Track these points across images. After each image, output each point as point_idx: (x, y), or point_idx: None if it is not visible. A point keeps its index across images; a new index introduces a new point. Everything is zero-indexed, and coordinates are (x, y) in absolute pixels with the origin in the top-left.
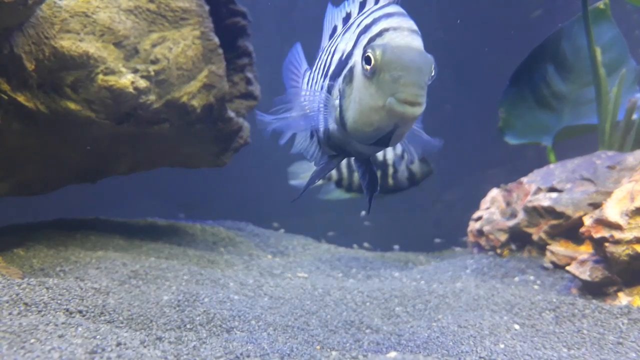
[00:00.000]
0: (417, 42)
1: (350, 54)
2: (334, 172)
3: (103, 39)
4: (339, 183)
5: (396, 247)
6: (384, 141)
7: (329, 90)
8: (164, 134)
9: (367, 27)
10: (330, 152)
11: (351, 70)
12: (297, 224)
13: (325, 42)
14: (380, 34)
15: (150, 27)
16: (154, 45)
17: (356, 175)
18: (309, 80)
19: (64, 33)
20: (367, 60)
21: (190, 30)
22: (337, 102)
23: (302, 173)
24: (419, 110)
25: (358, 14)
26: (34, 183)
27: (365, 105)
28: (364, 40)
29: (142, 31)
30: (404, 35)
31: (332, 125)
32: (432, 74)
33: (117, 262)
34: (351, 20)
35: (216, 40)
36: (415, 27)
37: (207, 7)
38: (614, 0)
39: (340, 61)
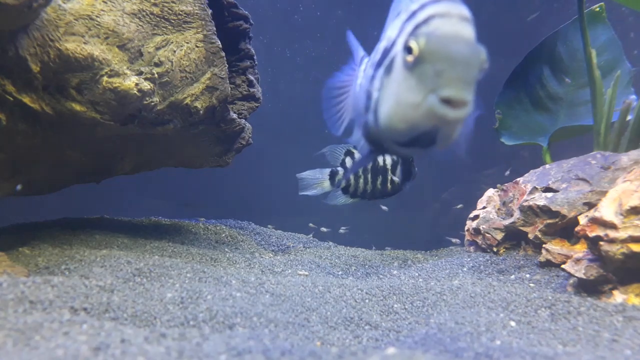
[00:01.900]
0: (467, 31)
1: (393, 43)
2: (341, 177)
3: (107, 41)
4: (345, 189)
5: (387, 248)
6: (424, 142)
7: (372, 81)
8: (167, 135)
9: (413, 13)
10: (370, 147)
11: (392, 60)
12: (297, 224)
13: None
14: (426, 21)
15: (154, 30)
16: (157, 48)
17: (361, 182)
18: (365, 68)
19: (68, 35)
20: (409, 50)
21: (193, 33)
22: (375, 94)
23: (314, 182)
24: (462, 112)
25: None
26: (39, 183)
27: (402, 100)
28: (408, 27)
29: (146, 34)
30: (452, 22)
31: (371, 120)
32: (484, 67)
33: (121, 260)
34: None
35: (218, 43)
36: (467, 13)
37: (209, 11)
38: (609, 3)
39: (385, 50)
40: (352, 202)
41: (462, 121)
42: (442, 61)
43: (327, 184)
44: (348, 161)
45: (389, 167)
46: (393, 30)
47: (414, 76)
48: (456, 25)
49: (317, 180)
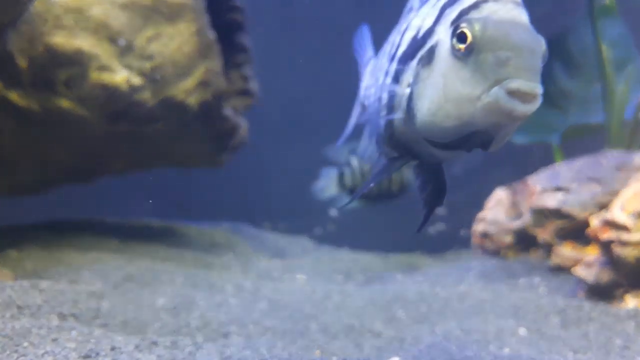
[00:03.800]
0: (524, 17)
1: (430, 31)
2: (349, 180)
3: (97, 35)
4: (352, 191)
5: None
6: (474, 143)
7: (397, 76)
8: (159, 133)
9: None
10: (392, 152)
11: (431, 50)
12: (298, 224)
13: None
14: (475, 5)
15: (145, 23)
16: (149, 41)
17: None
18: (373, 69)
19: (57, 29)
20: (460, 37)
21: (186, 25)
22: (407, 90)
23: (330, 187)
24: (533, 106)
25: None
26: (28, 183)
27: (453, 93)
28: (453, 13)
29: (137, 27)
30: (508, 8)
31: (398, 119)
32: (545, 56)
33: (111, 265)
34: None
35: (212, 36)
36: None
37: (203, 2)
38: None
39: (415, 40)
40: (360, 206)
41: (527, 117)
42: (506, 49)
43: (334, 187)
44: (354, 161)
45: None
46: (425, 18)
47: (469, 66)
48: (512, 10)
49: (328, 186)
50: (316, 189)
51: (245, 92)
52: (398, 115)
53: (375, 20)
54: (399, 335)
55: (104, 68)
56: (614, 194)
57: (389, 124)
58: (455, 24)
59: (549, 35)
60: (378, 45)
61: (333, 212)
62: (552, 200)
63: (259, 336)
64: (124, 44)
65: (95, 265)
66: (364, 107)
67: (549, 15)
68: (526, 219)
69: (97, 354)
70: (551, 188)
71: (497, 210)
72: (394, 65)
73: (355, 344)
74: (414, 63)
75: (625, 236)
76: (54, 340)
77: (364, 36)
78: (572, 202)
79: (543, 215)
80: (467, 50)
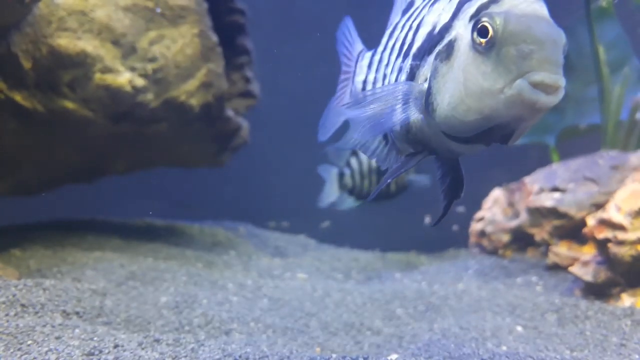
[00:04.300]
0: (545, 11)
1: (447, 27)
2: (349, 181)
3: (100, 37)
4: (351, 191)
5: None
6: (494, 136)
7: (413, 71)
8: (161, 133)
9: None
10: (407, 148)
11: (450, 45)
12: (297, 224)
13: (395, 18)
14: (495, 0)
15: (148, 25)
16: (151, 44)
17: (366, 183)
18: (371, 63)
19: (61, 31)
20: (481, 31)
21: (188, 28)
22: (424, 85)
23: (332, 190)
24: (556, 98)
25: None
26: (31, 183)
27: (474, 87)
28: (471, 8)
29: (140, 29)
30: (528, 1)
31: (415, 114)
32: (566, 49)
33: (114, 263)
34: None
35: (215, 38)
36: None
37: (205, 5)
38: None
39: (431, 36)
40: (360, 205)
41: (549, 109)
42: (528, 42)
43: (335, 187)
44: (354, 162)
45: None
46: (440, 14)
47: (491, 60)
48: (533, 4)
49: (330, 190)
50: (322, 198)
51: (246, 94)
52: (415, 113)
53: (375, 21)
54: (398, 332)
55: (107, 70)
56: (610, 193)
57: (405, 120)
58: (476, 18)
59: None
60: (366, 40)
61: (333, 212)
62: (548, 200)
63: (260, 333)
64: (127, 46)
65: (99, 264)
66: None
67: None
68: (523, 218)
69: (101, 351)
70: (548, 188)
71: (494, 210)
72: (409, 61)
73: (355, 341)
74: (431, 58)
75: (621, 235)
76: (58, 338)
77: (350, 29)
78: (568, 201)
79: (540, 214)
80: (489, 44)
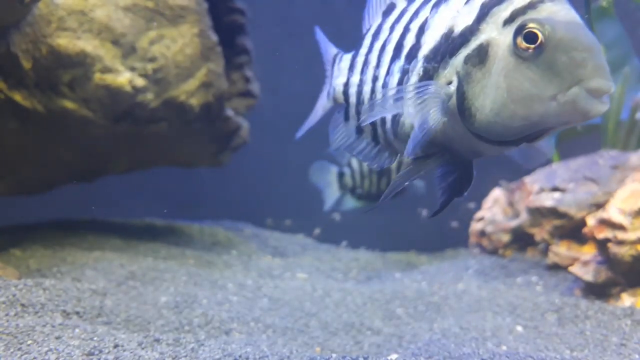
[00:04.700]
0: (580, 19)
1: (472, 29)
2: (349, 181)
3: (100, 37)
4: (352, 191)
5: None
6: (528, 139)
7: (427, 74)
8: (161, 133)
9: None
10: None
11: (482, 49)
12: (297, 224)
13: (374, 20)
14: (532, 5)
15: (148, 25)
16: (151, 43)
17: (366, 183)
18: (353, 65)
19: (61, 31)
20: (529, 37)
21: (188, 27)
22: (449, 88)
23: (332, 190)
24: (608, 104)
25: None
26: (31, 183)
27: (520, 93)
28: (503, 12)
29: (140, 29)
30: (565, 9)
31: (438, 118)
32: None
33: (114, 263)
34: None
35: (214, 38)
36: None
37: (205, 5)
38: None
39: (449, 38)
40: (361, 206)
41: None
42: (580, 49)
43: (335, 188)
44: (354, 162)
45: (393, 167)
46: (454, 17)
47: (539, 67)
48: (570, 12)
49: (331, 191)
50: (325, 201)
51: (246, 93)
52: (437, 116)
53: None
54: (398, 332)
55: (107, 69)
56: (610, 193)
57: (424, 124)
58: (517, 24)
59: None
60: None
61: (333, 212)
62: (549, 200)
63: (260, 333)
64: (127, 46)
65: (99, 263)
66: (336, 102)
67: None
68: (523, 218)
69: (101, 351)
70: (548, 188)
71: (494, 210)
72: (420, 63)
73: (355, 341)
74: (455, 61)
75: (621, 235)
76: (58, 338)
77: (321, 37)
78: (568, 201)
79: (540, 214)
80: (538, 51)
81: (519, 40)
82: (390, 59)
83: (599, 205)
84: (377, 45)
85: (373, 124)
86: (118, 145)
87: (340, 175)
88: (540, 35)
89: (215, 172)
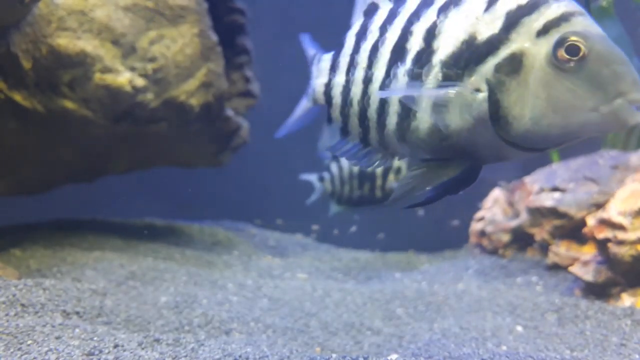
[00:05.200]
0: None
1: (501, 38)
2: (328, 185)
3: (100, 37)
4: (333, 195)
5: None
6: (558, 145)
7: (449, 79)
8: (161, 133)
9: (528, 8)
10: (406, 153)
11: (515, 59)
12: (297, 224)
13: (354, 20)
14: (565, 18)
15: (148, 25)
16: (151, 43)
17: (347, 188)
18: (336, 65)
19: (61, 31)
20: (571, 50)
21: (188, 27)
22: (479, 95)
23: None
24: None
25: None
26: (31, 183)
27: (561, 104)
28: (535, 23)
29: (140, 29)
30: (594, 23)
31: (465, 123)
32: None
33: (114, 263)
34: None
35: (214, 38)
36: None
37: (205, 5)
38: None
39: (473, 45)
40: (344, 211)
41: None
42: (619, 63)
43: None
44: (334, 167)
45: (379, 173)
46: (473, 23)
47: (582, 79)
48: (598, 26)
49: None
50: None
51: (246, 93)
52: (464, 121)
53: None
54: (398, 332)
55: (107, 69)
56: (610, 193)
57: (443, 129)
58: (561, 36)
59: None
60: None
61: (331, 212)
62: (548, 200)
63: (260, 333)
64: (127, 46)
65: (99, 263)
66: (316, 103)
67: None
68: (523, 218)
69: (101, 351)
70: (548, 188)
71: (494, 210)
72: (437, 68)
73: (355, 341)
74: (483, 69)
75: (621, 235)
76: (58, 338)
77: (304, 38)
78: (568, 201)
79: (540, 214)
80: (579, 63)
81: (561, 52)
82: (388, 61)
83: (599, 205)
84: (366, 46)
85: (364, 126)
86: (118, 145)
87: (320, 179)
88: (583, 48)
89: (215, 172)
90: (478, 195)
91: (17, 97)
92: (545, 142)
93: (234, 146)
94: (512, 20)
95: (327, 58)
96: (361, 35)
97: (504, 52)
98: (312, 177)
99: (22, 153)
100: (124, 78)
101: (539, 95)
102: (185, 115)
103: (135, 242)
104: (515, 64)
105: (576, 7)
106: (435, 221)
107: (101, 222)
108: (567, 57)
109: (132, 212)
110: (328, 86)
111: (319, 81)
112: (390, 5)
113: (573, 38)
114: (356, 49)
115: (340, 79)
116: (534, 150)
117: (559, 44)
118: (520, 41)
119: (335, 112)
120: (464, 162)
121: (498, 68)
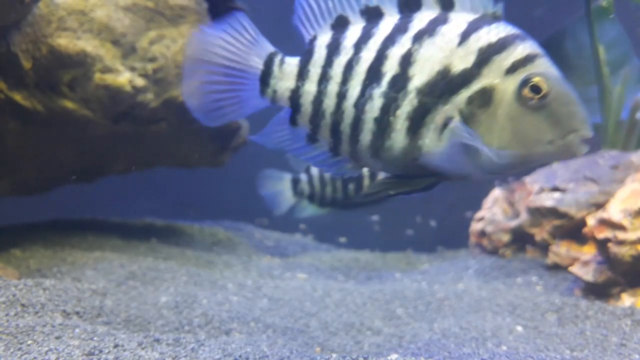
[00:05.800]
0: None
1: (473, 73)
2: (306, 187)
3: (100, 37)
4: (311, 198)
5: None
6: (516, 171)
7: (424, 107)
8: (161, 133)
9: (498, 47)
10: (378, 168)
11: (486, 93)
12: (296, 222)
13: (316, 28)
14: (530, 59)
15: (148, 25)
16: (151, 43)
17: (328, 189)
18: (305, 74)
19: (61, 31)
20: (535, 89)
21: (188, 27)
22: (454, 123)
23: (287, 197)
24: (587, 146)
25: (401, 16)
26: (31, 183)
27: (523, 136)
28: (504, 61)
29: (140, 29)
30: (552, 64)
31: (438, 147)
32: None
33: (114, 263)
34: (421, 24)
35: None
36: None
37: (205, 5)
38: None
39: (448, 77)
40: (323, 213)
41: None
42: (573, 103)
43: (289, 194)
44: (314, 169)
45: (366, 174)
46: (447, 55)
47: (542, 115)
48: (555, 67)
49: (279, 191)
50: (277, 207)
51: None
52: (440, 144)
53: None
54: (398, 332)
55: (107, 69)
56: (611, 193)
57: (416, 148)
58: (527, 75)
59: (546, 36)
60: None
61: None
62: (549, 200)
63: (260, 333)
64: (127, 46)
65: (99, 263)
66: (274, 103)
67: (546, 16)
68: (523, 218)
69: (101, 351)
70: (548, 188)
71: (494, 210)
72: (413, 95)
73: (355, 341)
74: (457, 100)
75: (621, 235)
76: (58, 338)
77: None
78: (568, 201)
79: (540, 214)
80: (541, 102)
81: (526, 90)
82: (363, 81)
83: (599, 205)
84: (340, 62)
85: (336, 138)
86: (118, 146)
87: (295, 181)
88: (545, 87)
89: (215, 172)
90: (478, 195)
91: (17, 97)
92: (508, 167)
93: (234, 146)
94: (484, 57)
95: (292, 63)
96: (333, 49)
97: (475, 86)
98: (285, 177)
99: (22, 153)
100: (124, 78)
101: (505, 127)
102: (186, 115)
103: (135, 242)
104: (486, 97)
105: (538, 49)
106: (435, 221)
107: (101, 222)
108: (531, 94)
109: (132, 212)
110: (296, 92)
111: (283, 84)
112: (362, 24)
113: (536, 79)
114: (329, 62)
115: (310, 87)
116: (497, 174)
117: (524, 82)
118: (491, 77)
119: (304, 119)
120: (431, 178)
121: (470, 100)
